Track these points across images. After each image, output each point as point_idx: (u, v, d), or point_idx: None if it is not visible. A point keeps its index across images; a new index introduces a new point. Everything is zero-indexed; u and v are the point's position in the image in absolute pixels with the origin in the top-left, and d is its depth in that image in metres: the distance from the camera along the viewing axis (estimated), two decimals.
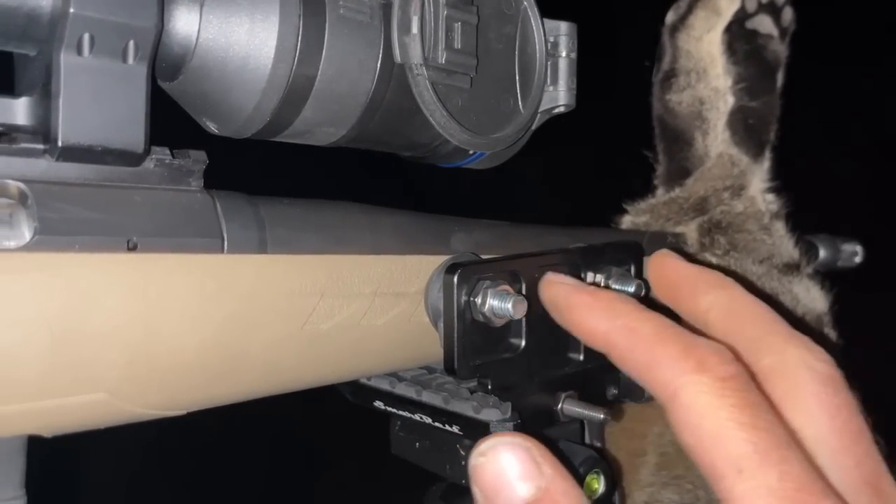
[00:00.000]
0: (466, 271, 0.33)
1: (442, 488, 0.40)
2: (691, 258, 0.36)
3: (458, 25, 0.31)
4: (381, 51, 0.31)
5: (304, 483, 1.12)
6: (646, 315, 0.29)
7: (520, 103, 0.35)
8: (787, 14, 0.57)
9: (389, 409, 0.37)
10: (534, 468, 0.25)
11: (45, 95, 0.25)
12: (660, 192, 0.54)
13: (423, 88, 0.30)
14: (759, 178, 0.52)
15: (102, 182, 0.27)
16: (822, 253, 0.63)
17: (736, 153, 0.51)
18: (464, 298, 0.33)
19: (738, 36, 0.55)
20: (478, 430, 0.33)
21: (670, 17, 0.53)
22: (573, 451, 0.35)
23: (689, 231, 0.51)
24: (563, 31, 0.36)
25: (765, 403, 0.26)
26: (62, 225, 0.25)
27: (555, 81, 0.36)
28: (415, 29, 0.30)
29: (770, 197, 0.52)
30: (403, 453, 0.40)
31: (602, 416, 0.35)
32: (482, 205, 0.45)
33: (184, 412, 0.29)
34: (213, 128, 0.31)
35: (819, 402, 0.27)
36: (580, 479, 0.34)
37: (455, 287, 0.32)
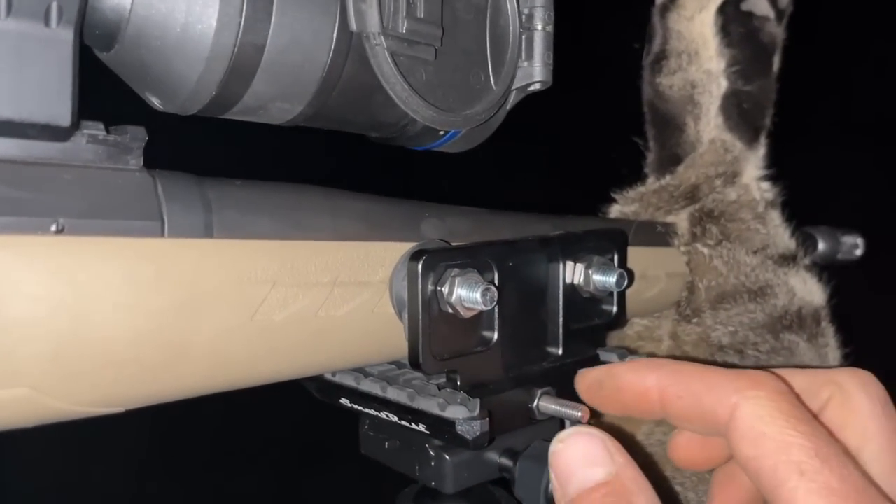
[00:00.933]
0: (432, 258, 0.30)
1: (415, 490, 0.38)
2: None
3: None
4: (337, 19, 0.28)
5: (299, 480, 1.10)
6: (685, 361, 0.31)
7: (491, 79, 0.32)
8: None
9: (356, 406, 0.35)
10: (607, 456, 0.28)
11: None
12: (650, 179, 0.52)
13: (382, 60, 0.28)
14: (753, 165, 0.50)
15: (27, 159, 0.25)
16: (822, 245, 0.61)
17: (729, 139, 0.49)
18: (430, 288, 0.31)
19: (733, 18, 0.53)
20: (444, 429, 0.31)
21: None
22: (545, 451, 0.33)
23: (680, 220, 0.49)
24: (538, 3, 0.33)
25: (816, 418, 0.27)
26: None
27: (530, 56, 0.33)
28: None
29: (765, 185, 0.50)
30: (373, 454, 0.38)
31: (579, 413, 0.33)
32: (463, 193, 0.43)
33: (121, 410, 0.27)
34: (157, 103, 0.29)
35: (878, 422, 0.28)
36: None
37: (420, 275, 0.30)
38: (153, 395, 0.27)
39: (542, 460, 0.33)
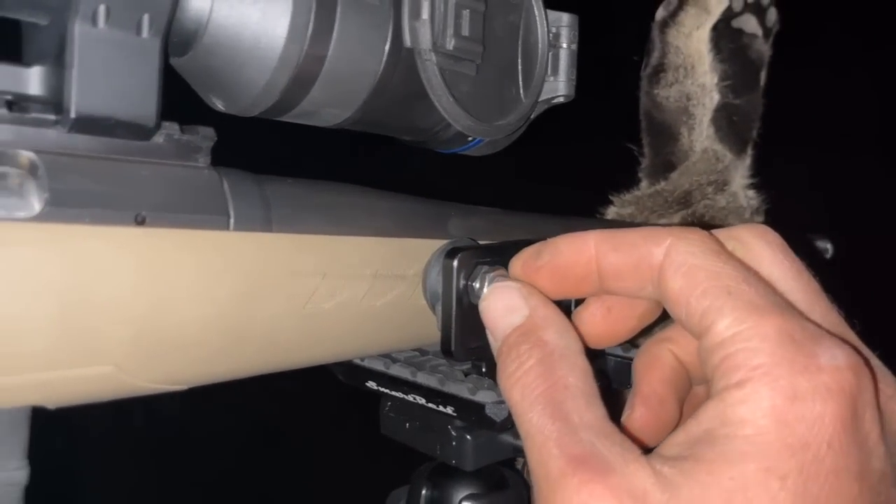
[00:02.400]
0: (466, 256, 0.33)
1: (429, 468, 0.41)
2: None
3: (466, 13, 0.31)
4: (389, 34, 0.31)
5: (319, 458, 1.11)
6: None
7: (521, 92, 0.35)
8: (772, 14, 0.59)
9: (382, 389, 0.38)
10: (521, 301, 0.30)
11: (59, 66, 0.25)
12: (644, 184, 0.55)
13: (432, 74, 0.31)
14: (740, 174, 0.53)
15: (112, 155, 0.27)
16: None
17: (720, 149, 0.53)
18: (462, 282, 0.33)
19: (724, 34, 0.56)
20: (472, 412, 0.34)
21: (660, 13, 0.54)
22: None
23: (672, 223, 0.52)
24: (564, 23, 0.36)
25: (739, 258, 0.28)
26: (72, 197, 0.25)
27: (555, 72, 0.36)
28: (425, 14, 0.30)
29: (751, 193, 0.53)
30: (393, 433, 0.40)
31: None
32: (466, 193, 0.46)
33: (185, 387, 0.29)
34: (219, 105, 0.31)
35: (781, 267, 0.28)
36: None
37: (454, 271, 0.33)
38: (214, 374, 0.30)
39: None
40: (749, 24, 0.58)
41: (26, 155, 0.25)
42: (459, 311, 0.33)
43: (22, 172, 0.25)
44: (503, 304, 0.30)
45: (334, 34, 0.30)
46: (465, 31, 0.32)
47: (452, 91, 0.32)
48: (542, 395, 0.26)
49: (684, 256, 0.27)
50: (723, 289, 0.25)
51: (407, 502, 0.41)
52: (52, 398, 0.26)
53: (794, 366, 0.24)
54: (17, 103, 0.25)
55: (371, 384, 0.38)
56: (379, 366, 0.37)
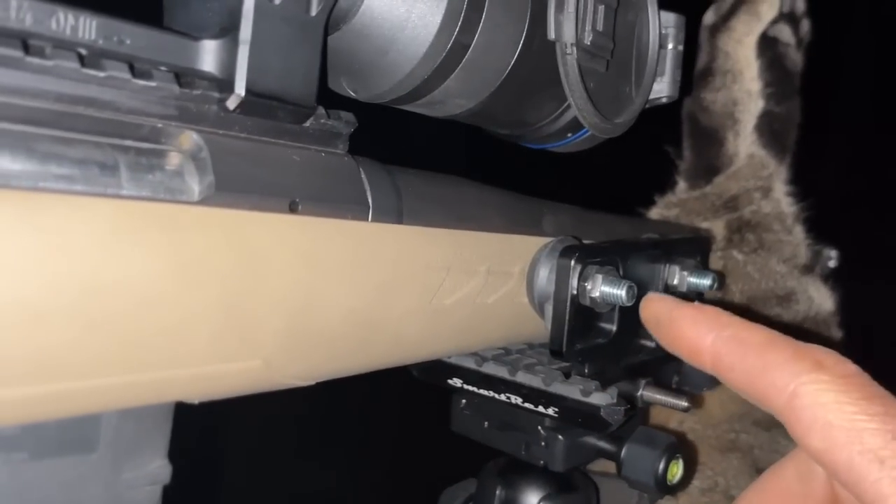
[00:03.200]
0: (582, 255, 0.33)
1: (499, 465, 0.40)
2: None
3: (602, 7, 0.31)
4: (526, 27, 0.30)
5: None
6: (753, 325, 0.27)
7: (633, 91, 0.35)
8: (805, 25, 0.60)
9: (468, 387, 0.37)
10: None
11: (227, 40, 0.23)
12: (681, 186, 0.56)
13: (571, 68, 0.30)
14: (781, 181, 0.54)
15: (267, 139, 0.25)
16: None
17: (764, 155, 0.53)
18: (576, 283, 0.33)
19: (763, 42, 0.57)
20: (581, 413, 0.33)
21: (710, 17, 0.55)
22: (655, 437, 0.36)
23: (716, 227, 0.53)
24: (672, 24, 0.36)
25: (890, 394, 0.24)
26: (233, 180, 0.23)
27: (662, 72, 0.36)
28: (571, 7, 0.29)
29: (791, 200, 0.55)
30: (466, 431, 0.40)
31: (685, 404, 0.36)
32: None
33: (313, 383, 0.28)
34: (350, 90, 0.30)
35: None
36: (666, 465, 0.35)
37: (571, 270, 0.32)
38: (344, 369, 0.29)
39: (652, 444, 0.36)
40: (783, 33, 0.59)
41: (191, 135, 0.23)
42: (573, 311, 0.33)
43: (185, 152, 0.23)
44: None
45: (481, 23, 0.29)
46: (600, 27, 0.31)
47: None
48: None
49: (815, 411, 0.24)
50: (871, 455, 0.22)
51: (476, 500, 0.41)
52: (200, 393, 0.25)
53: None
54: (184, 78, 0.23)
55: (455, 381, 0.37)
56: (470, 363, 0.37)
